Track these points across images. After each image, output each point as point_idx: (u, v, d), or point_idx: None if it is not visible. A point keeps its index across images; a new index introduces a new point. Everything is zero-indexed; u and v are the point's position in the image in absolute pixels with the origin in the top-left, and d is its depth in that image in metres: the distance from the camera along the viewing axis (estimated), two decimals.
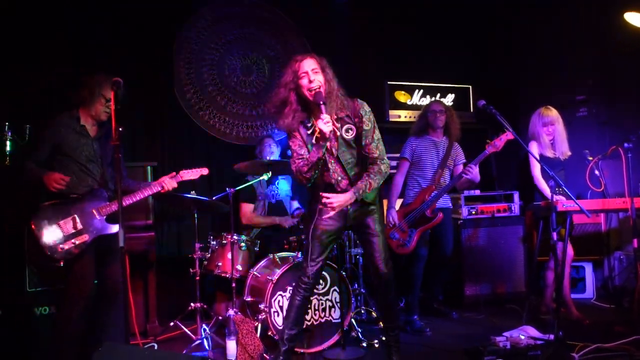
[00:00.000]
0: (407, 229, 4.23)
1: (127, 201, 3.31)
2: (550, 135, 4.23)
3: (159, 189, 3.42)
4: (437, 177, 4.28)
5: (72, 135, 3.27)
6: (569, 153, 4.27)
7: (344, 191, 3.06)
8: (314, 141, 2.99)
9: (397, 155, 5.20)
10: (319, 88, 2.96)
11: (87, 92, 3.29)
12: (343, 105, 3.05)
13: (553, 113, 4.24)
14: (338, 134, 3.04)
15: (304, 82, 2.97)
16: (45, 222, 3.12)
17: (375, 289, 3.29)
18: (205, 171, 3.67)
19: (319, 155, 2.95)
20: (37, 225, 3.11)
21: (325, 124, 2.84)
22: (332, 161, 3.08)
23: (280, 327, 3.57)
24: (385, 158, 3.13)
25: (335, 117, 3.02)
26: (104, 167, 3.35)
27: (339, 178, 3.10)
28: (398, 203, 4.43)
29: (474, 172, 4.02)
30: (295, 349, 3.64)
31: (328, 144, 3.00)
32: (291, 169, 3.12)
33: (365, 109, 3.09)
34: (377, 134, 3.11)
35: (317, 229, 3.15)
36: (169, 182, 3.46)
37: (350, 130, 3.07)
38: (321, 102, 2.88)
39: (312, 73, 2.96)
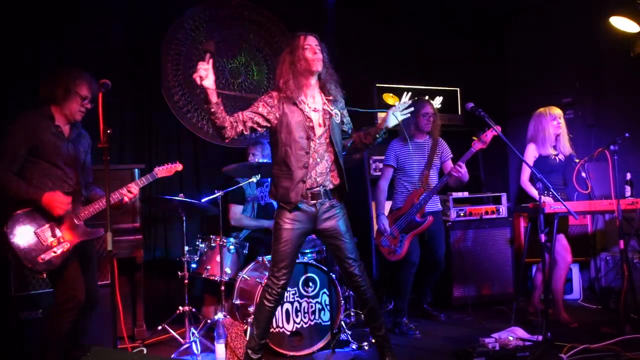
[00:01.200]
0: (398, 235, 4.16)
1: (89, 210, 3.08)
2: (559, 129, 4.22)
3: (118, 199, 3.17)
4: (425, 179, 4.21)
5: (49, 137, 2.99)
6: (570, 151, 4.29)
7: (327, 189, 3.12)
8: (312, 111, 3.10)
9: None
10: (320, 61, 3.07)
11: (61, 90, 3.02)
12: (337, 96, 3.20)
13: (558, 110, 4.27)
14: (333, 115, 3.14)
15: (308, 53, 3.05)
16: (21, 232, 2.87)
17: (352, 290, 3.29)
18: (179, 167, 3.53)
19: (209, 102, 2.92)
20: (12, 236, 2.86)
21: (196, 71, 2.89)
22: (318, 142, 3.08)
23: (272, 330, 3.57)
24: None
25: (332, 100, 3.18)
26: (78, 169, 3.13)
27: (318, 160, 3.08)
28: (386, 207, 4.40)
29: (463, 170, 3.95)
30: (285, 352, 3.64)
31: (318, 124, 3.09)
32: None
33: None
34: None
35: (282, 234, 3.10)
36: (128, 191, 3.19)
37: (338, 116, 3.18)
38: (209, 50, 2.91)
39: (315, 47, 3.08)
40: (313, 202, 3.09)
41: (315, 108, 3.12)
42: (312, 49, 3.05)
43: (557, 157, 4.25)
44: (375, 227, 4.30)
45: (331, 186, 3.14)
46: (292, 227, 3.09)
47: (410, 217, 4.13)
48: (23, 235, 2.88)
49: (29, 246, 2.88)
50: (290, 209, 3.08)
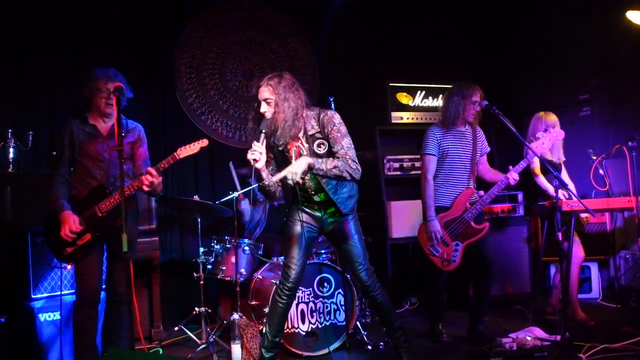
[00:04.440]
0: (451, 242, 3.74)
1: (109, 201, 3.09)
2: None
3: (138, 185, 3.07)
4: (472, 176, 3.83)
5: (82, 136, 3.18)
6: (563, 159, 4.24)
7: (318, 202, 3.14)
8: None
9: (401, 157, 5.21)
10: (265, 118, 2.98)
11: (87, 89, 3.19)
12: (311, 125, 3.04)
13: (553, 117, 4.22)
14: (305, 153, 3.02)
15: (260, 109, 3.01)
16: (53, 225, 3.05)
17: (362, 294, 3.28)
18: (204, 142, 3.19)
19: (256, 182, 3.01)
20: (47, 232, 3.13)
21: (251, 152, 2.84)
22: (307, 177, 3.08)
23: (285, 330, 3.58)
24: (358, 165, 3.03)
25: (305, 136, 3.05)
26: (111, 165, 3.18)
27: (312, 192, 3.13)
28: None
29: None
30: (300, 352, 3.64)
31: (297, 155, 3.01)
32: None
33: (334, 121, 3.04)
34: (348, 142, 3.04)
35: (291, 232, 3.16)
36: (148, 174, 3.04)
37: (322, 145, 3.05)
38: (262, 131, 2.91)
39: (264, 104, 2.99)
40: (316, 206, 3.17)
41: (292, 151, 3.07)
42: (259, 105, 3.00)
43: (554, 159, 4.18)
44: (393, 228, 4.13)
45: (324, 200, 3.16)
46: (299, 226, 3.15)
47: (464, 223, 3.73)
48: (55, 228, 3.04)
49: (57, 240, 3.04)
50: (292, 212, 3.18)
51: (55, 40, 4.41)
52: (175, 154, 3.12)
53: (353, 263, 3.19)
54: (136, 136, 3.32)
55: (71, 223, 3.01)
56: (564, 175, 4.23)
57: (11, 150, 3.91)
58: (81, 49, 4.48)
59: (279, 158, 3.13)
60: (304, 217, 3.16)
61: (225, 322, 4.06)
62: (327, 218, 3.19)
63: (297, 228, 3.15)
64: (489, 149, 3.98)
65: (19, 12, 4.28)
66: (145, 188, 3.04)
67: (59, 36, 4.42)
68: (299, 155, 3.03)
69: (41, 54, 4.36)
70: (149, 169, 3.06)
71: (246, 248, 4.11)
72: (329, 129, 3.02)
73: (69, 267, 3.24)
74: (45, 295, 3.55)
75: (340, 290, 3.85)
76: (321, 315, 3.78)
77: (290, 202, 3.19)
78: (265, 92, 2.98)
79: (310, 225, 3.17)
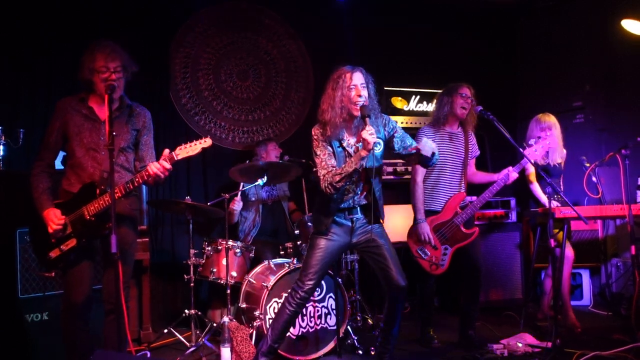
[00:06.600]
0: (440, 246, 3.73)
1: (98, 203, 2.78)
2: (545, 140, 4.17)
3: (144, 178, 2.78)
4: (463, 179, 3.82)
5: (77, 119, 2.85)
6: (562, 160, 4.23)
7: (359, 206, 3.11)
8: (353, 151, 3.00)
9: (394, 161, 5.19)
10: (365, 102, 2.97)
11: (86, 71, 2.83)
12: (378, 126, 3.07)
13: (551, 119, 4.21)
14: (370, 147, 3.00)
15: (352, 94, 2.97)
16: (39, 229, 2.82)
17: (390, 299, 3.17)
18: (207, 142, 2.87)
19: (356, 167, 2.91)
20: (33, 234, 2.90)
21: (369, 135, 2.83)
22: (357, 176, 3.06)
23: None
24: None
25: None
26: (107, 155, 2.73)
27: (358, 191, 3.09)
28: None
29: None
30: (291, 356, 3.61)
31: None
32: (317, 176, 3.06)
33: (393, 120, 3.16)
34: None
35: (319, 242, 3.11)
36: (152, 167, 2.76)
37: (378, 145, 3.05)
38: (366, 116, 2.90)
39: (360, 87, 2.98)
40: (350, 216, 3.12)
41: (356, 146, 3.04)
42: (357, 90, 2.97)
43: (551, 162, 4.17)
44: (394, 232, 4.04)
45: (364, 202, 3.14)
46: (329, 238, 3.11)
47: (454, 227, 3.72)
48: (40, 231, 2.82)
49: (42, 243, 2.83)
50: (328, 223, 3.11)
51: (54, 38, 4.36)
52: (173, 153, 2.79)
53: (387, 267, 3.10)
54: (142, 122, 3.03)
55: (53, 218, 2.77)
56: (557, 181, 4.23)
57: (1, 147, 3.86)
58: (79, 46, 4.43)
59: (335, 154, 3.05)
60: (335, 229, 3.11)
61: (215, 325, 4.03)
62: (358, 227, 3.13)
63: (326, 242, 3.10)
64: (478, 152, 3.99)
65: (18, 12, 4.24)
66: (150, 179, 2.75)
67: (57, 35, 4.37)
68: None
69: (40, 52, 4.31)
70: (165, 155, 2.76)
71: (238, 250, 4.08)
72: (392, 126, 3.12)
73: (53, 274, 2.91)
74: (32, 295, 3.50)
75: (331, 294, 3.82)
76: (312, 319, 3.75)
77: (328, 209, 3.10)
78: (361, 76, 3.00)
79: (338, 238, 3.11)
